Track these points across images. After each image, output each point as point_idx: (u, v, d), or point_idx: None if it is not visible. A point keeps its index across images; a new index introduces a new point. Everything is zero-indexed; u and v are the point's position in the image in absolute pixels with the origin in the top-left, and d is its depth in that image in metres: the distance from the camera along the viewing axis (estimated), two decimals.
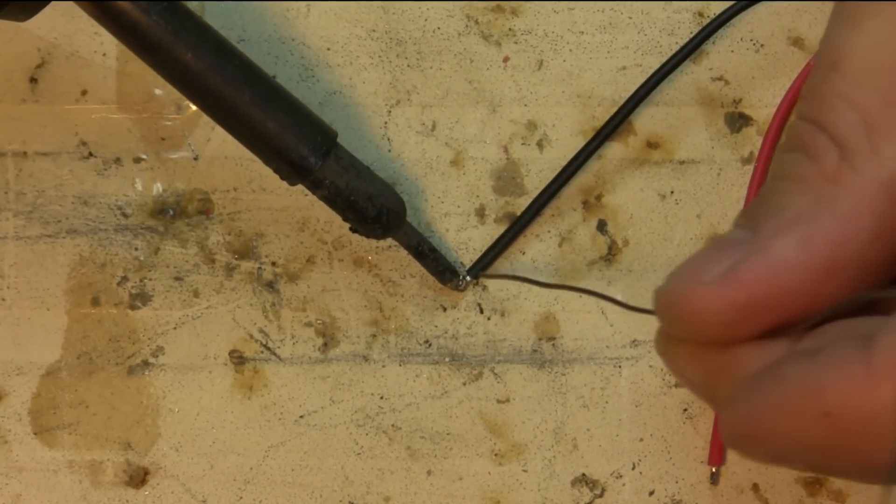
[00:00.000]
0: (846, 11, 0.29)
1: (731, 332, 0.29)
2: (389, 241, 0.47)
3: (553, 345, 0.47)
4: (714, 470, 0.46)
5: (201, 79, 0.38)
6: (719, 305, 0.28)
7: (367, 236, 0.43)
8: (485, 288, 0.47)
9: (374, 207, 0.42)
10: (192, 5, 0.47)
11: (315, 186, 0.41)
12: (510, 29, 0.48)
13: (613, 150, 0.48)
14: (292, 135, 0.40)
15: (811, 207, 0.28)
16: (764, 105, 0.48)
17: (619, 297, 0.47)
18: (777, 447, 0.28)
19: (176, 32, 0.38)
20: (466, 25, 0.48)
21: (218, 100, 0.39)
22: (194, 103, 0.40)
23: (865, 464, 0.26)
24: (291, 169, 0.41)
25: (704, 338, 0.29)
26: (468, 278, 0.46)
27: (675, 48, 0.47)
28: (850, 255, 0.28)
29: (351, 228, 0.43)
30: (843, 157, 0.28)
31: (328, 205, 0.42)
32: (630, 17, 0.48)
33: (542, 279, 0.47)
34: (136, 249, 0.47)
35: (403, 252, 0.47)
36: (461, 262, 0.47)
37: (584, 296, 0.47)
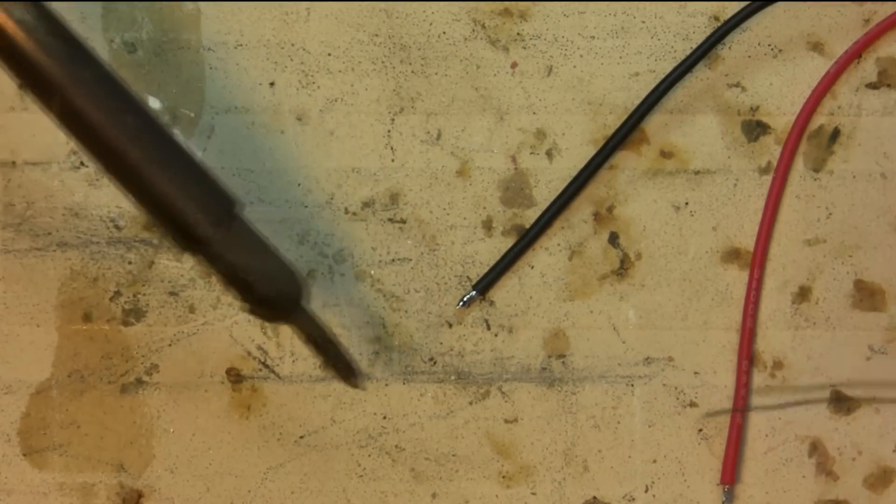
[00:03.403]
0: None
1: None
2: (392, 254, 0.46)
3: (563, 362, 0.46)
4: (726, 489, 0.45)
5: (99, 130, 0.36)
6: None
7: (260, 317, 0.41)
8: (492, 303, 0.46)
9: (268, 289, 0.39)
10: (187, 6, 0.46)
11: (208, 259, 0.38)
12: (518, 33, 0.46)
13: (626, 160, 0.46)
14: (189, 202, 0.37)
15: None
16: (782, 113, 0.46)
17: (630, 313, 0.46)
18: None
19: (75, 78, 0.36)
20: (473, 30, 0.46)
21: (113, 156, 0.37)
22: (90, 156, 0.38)
23: None
24: (182, 236, 0.38)
25: None
26: (360, 380, 0.43)
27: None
28: None
29: (244, 308, 0.40)
30: None
31: (220, 278, 0.39)
32: (643, 22, 0.46)
33: (552, 294, 0.46)
34: (130, 263, 0.46)
35: (407, 266, 0.46)
36: (467, 276, 0.46)
37: (595, 311, 0.46)
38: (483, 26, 0.46)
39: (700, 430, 0.45)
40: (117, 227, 0.46)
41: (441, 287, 0.46)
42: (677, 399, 0.45)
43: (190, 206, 0.37)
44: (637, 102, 0.45)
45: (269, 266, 0.39)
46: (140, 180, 0.37)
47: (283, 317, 0.41)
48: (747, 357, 0.45)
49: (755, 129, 0.46)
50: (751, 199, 0.46)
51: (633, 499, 0.45)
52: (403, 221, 0.46)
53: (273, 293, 0.39)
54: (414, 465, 0.45)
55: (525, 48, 0.46)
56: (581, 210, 0.46)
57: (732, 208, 0.46)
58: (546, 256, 0.46)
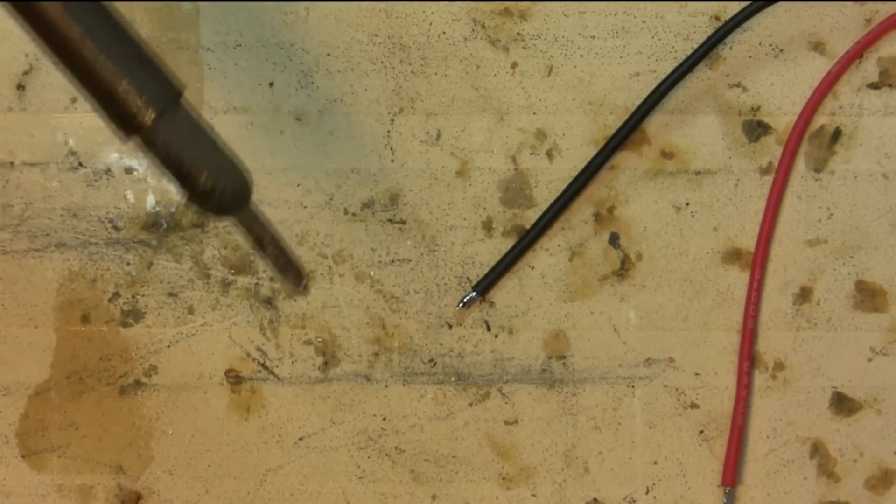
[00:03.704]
0: None
1: None
2: (392, 255, 0.45)
3: (563, 364, 0.45)
4: (727, 491, 0.45)
5: (39, 5, 0.34)
6: None
7: (203, 210, 0.38)
8: (492, 304, 0.45)
9: (210, 180, 0.37)
10: (186, 6, 0.46)
11: (147, 145, 0.36)
12: (518, 33, 0.46)
13: (626, 160, 0.46)
14: (128, 82, 0.35)
15: None
16: (783, 113, 0.46)
17: (631, 314, 0.45)
18: None
19: None
20: (473, 30, 0.46)
21: (53, 32, 0.35)
22: (29, 32, 0.35)
23: None
24: (120, 120, 0.36)
25: None
26: (304, 284, 0.41)
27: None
28: None
29: (188, 200, 0.38)
30: None
31: (161, 168, 0.37)
32: (644, 21, 0.46)
33: (552, 295, 0.45)
34: (128, 264, 0.46)
35: (407, 267, 0.45)
36: (467, 277, 0.45)
37: (595, 312, 0.45)
38: (483, 26, 0.46)
39: (701, 432, 0.45)
40: (116, 228, 0.46)
41: (441, 288, 0.45)
42: (678, 400, 0.45)
43: (133, 91, 0.35)
44: (638, 102, 0.45)
45: (215, 157, 0.38)
46: (81, 60, 0.35)
47: (226, 212, 0.38)
48: (748, 358, 0.45)
49: (756, 129, 0.46)
50: (752, 200, 0.46)
51: (634, 500, 0.45)
52: (403, 222, 0.46)
53: (217, 186, 0.37)
54: (414, 467, 0.45)
55: (525, 48, 0.46)
56: (581, 211, 0.46)
57: (733, 209, 0.46)
58: (546, 257, 0.46)
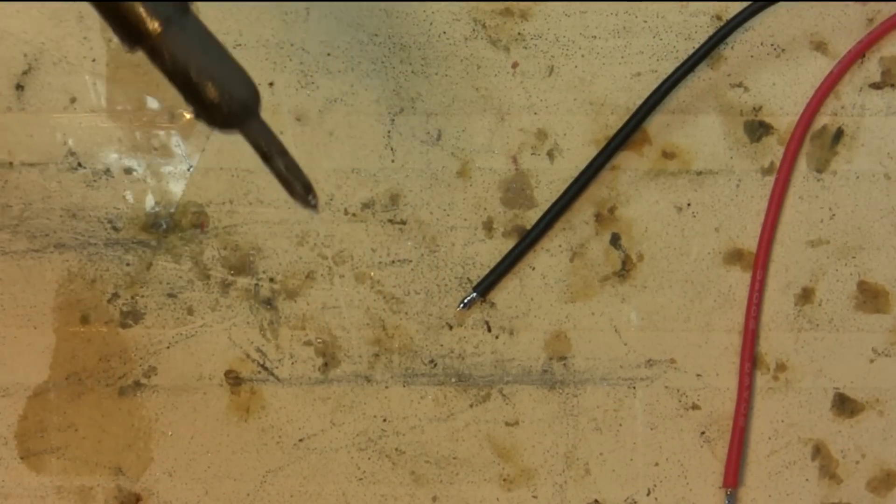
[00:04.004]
0: None
1: None
2: (392, 255, 0.45)
3: (564, 365, 0.45)
4: (729, 493, 0.45)
5: None
6: None
7: (210, 124, 0.37)
8: (493, 305, 0.45)
9: (217, 91, 0.36)
10: None
11: (152, 55, 0.36)
12: (519, 33, 0.46)
13: (627, 161, 0.46)
14: None
15: None
16: (785, 113, 0.46)
17: (632, 315, 0.45)
18: None
19: None
20: (473, 30, 0.46)
21: None
22: None
23: None
24: (125, 31, 0.35)
25: None
26: (314, 200, 0.38)
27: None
28: None
29: (195, 114, 0.37)
30: None
31: (168, 80, 0.36)
32: (645, 21, 0.46)
33: (553, 296, 0.45)
34: (128, 265, 0.46)
35: (407, 268, 0.45)
36: (468, 278, 0.45)
37: (596, 313, 0.45)
38: (484, 26, 0.46)
39: (702, 433, 0.45)
40: (115, 229, 0.46)
41: (441, 289, 0.45)
42: (679, 401, 0.45)
43: (138, 1, 0.35)
44: (639, 102, 0.45)
45: (222, 69, 0.37)
46: None
47: (233, 126, 0.37)
48: (750, 359, 0.45)
49: (758, 129, 0.46)
50: (753, 200, 0.45)
51: (635, 502, 0.45)
52: (403, 222, 0.45)
53: (224, 99, 0.36)
54: (414, 469, 0.45)
55: (526, 48, 0.46)
56: (582, 211, 0.46)
57: (735, 209, 0.45)
58: (547, 258, 0.45)
